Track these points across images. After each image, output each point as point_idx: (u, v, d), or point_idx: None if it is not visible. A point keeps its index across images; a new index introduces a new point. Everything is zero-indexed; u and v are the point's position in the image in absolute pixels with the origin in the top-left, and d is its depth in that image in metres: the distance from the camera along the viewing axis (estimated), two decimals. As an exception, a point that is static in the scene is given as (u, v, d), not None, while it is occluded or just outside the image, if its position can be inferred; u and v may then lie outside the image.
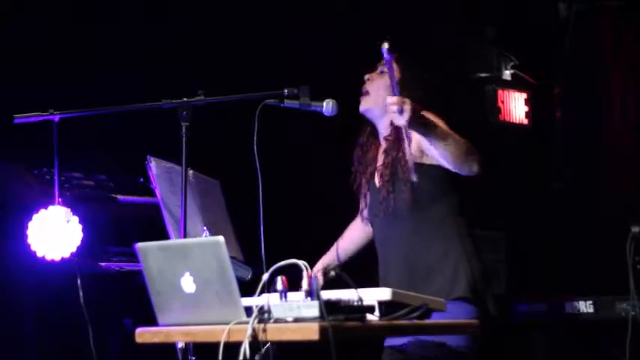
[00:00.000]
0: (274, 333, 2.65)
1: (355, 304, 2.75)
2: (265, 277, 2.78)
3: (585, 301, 5.09)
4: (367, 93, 3.91)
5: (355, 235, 4.17)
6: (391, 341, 3.72)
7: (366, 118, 3.97)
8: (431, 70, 3.96)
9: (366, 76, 3.94)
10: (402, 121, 3.41)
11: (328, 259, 4.13)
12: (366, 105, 3.91)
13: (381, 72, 3.92)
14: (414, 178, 3.74)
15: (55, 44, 5.22)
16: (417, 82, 3.86)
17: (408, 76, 3.86)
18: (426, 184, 3.75)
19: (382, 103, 3.81)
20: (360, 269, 3.76)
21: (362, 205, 3.99)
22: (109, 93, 4.52)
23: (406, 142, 3.77)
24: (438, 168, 3.72)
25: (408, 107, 3.37)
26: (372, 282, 3.91)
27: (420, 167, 3.76)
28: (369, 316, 2.80)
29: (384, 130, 3.91)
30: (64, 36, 5.24)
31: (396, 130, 3.81)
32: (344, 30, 5.89)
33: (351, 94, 3.95)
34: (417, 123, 3.46)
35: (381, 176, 3.84)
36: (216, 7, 5.79)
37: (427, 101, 3.81)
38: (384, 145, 3.91)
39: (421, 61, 3.96)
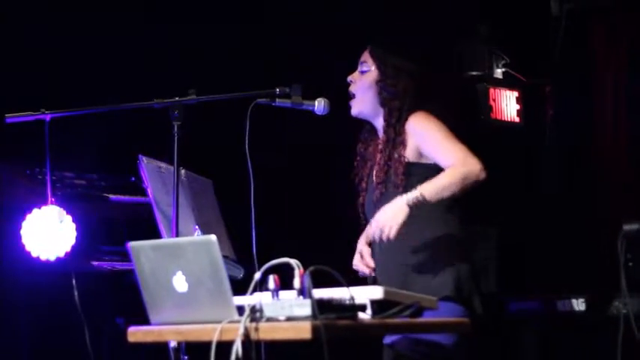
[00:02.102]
0: (266, 332, 2.65)
1: (347, 302, 2.75)
2: (257, 275, 2.78)
3: (577, 298, 5.09)
4: (353, 96, 3.91)
5: None
6: (386, 339, 3.75)
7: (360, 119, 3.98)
8: (410, 59, 3.95)
9: (349, 79, 3.94)
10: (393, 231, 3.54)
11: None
12: (356, 108, 3.91)
13: (362, 72, 3.92)
14: (406, 181, 3.75)
15: (46, 44, 5.21)
16: (396, 75, 3.86)
17: (385, 70, 3.87)
18: (419, 184, 3.75)
19: (369, 102, 3.88)
20: (350, 267, 3.78)
21: (360, 199, 3.99)
22: (100, 92, 4.52)
23: (400, 147, 3.78)
24: (433, 167, 3.74)
25: (389, 229, 3.53)
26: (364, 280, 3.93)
27: (413, 167, 3.77)
28: (361, 315, 2.81)
29: (380, 127, 3.92)
30: (56, 35, 5.24)
31: (387, 133, 3.82)
32: (338, 28, 5.90)
33: (344, 92, 3.96)
34: (407, 214, 3.56)
35: (376, 177, 3.86)
36: (209, 6, 5.79)
37: (410, 90, 3.82)
38: (382, 141, 3.91)
39: (398, 52, 3.94)
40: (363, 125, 4.00)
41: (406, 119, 3.80)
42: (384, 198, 3.76)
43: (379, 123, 3.91)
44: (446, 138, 3.72)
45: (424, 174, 3.73)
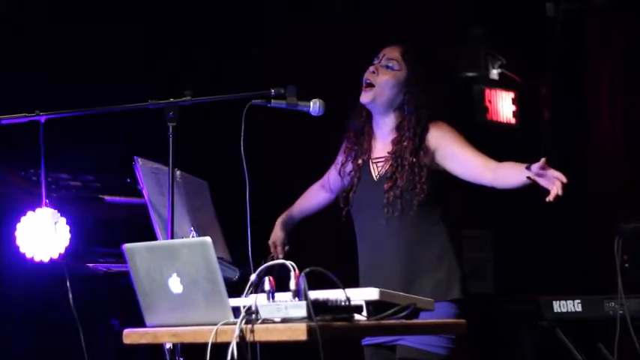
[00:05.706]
0: (262, 333, 2.65)
1: (343, 304, 2.74)
2: (253, 277, 2.77)
3: (573, 300, 5.09)
4: (372, 85, 3.86)
5: (315, 202, 4.25)
6: (371, 340, 3.75)
7: (365, 107, 3.94)
8: (438, 71, 3.97)
9: (371, 68, 3.89)
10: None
11: (287, 218, 4.23)
12: (369, 97, 3.85)
13: (389, 67, 3.89)
14: (428, 186, 3.76)
15: (43, 45, 5.20)
16: (427, 85, 3.87)
17: (418, 78, 3.86)
18: (429, 189, 3.77)
19: (387, 99, 3.84)
20: (346, 269, 3.77)
21: (351, 194, 3.96)
22: (96, 93, 4.51)
23: (421, 153, 3.78)
24: (442, 173, 3.79)
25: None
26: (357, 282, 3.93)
27: (429, 170, 3.78)
28: (356, 316, 2.80)
29: (383, 125, 3.90)
30: (53, 36, 5.23)
31: (413, 140, 3.80)
32: (336, 31, 5.90)
33: (340, 93, 3.95)
34: None
35: (392, 181, 3.80)
36: (205, 6, 5.79)
37: (434, 104, 3.84)
38: (383, 139, 3.89)
39: (430, 63, 3.94)
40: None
41: (427, 129, 3.81)
42: (400, 202, 3.75)
43: (382, 120, 3.89)
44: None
45: (432, 177, 3.77)
